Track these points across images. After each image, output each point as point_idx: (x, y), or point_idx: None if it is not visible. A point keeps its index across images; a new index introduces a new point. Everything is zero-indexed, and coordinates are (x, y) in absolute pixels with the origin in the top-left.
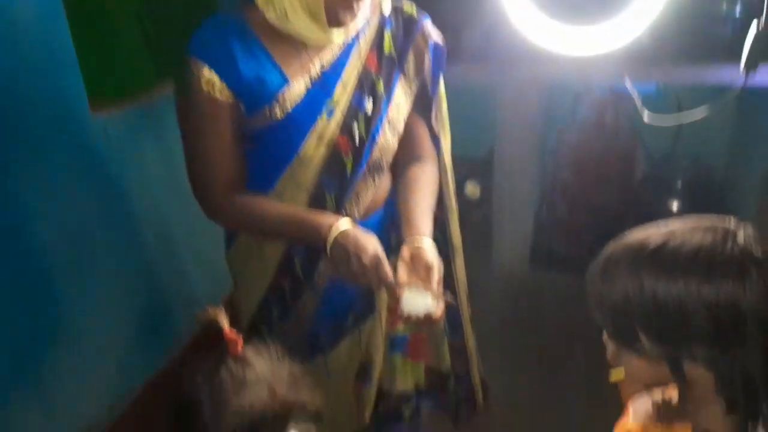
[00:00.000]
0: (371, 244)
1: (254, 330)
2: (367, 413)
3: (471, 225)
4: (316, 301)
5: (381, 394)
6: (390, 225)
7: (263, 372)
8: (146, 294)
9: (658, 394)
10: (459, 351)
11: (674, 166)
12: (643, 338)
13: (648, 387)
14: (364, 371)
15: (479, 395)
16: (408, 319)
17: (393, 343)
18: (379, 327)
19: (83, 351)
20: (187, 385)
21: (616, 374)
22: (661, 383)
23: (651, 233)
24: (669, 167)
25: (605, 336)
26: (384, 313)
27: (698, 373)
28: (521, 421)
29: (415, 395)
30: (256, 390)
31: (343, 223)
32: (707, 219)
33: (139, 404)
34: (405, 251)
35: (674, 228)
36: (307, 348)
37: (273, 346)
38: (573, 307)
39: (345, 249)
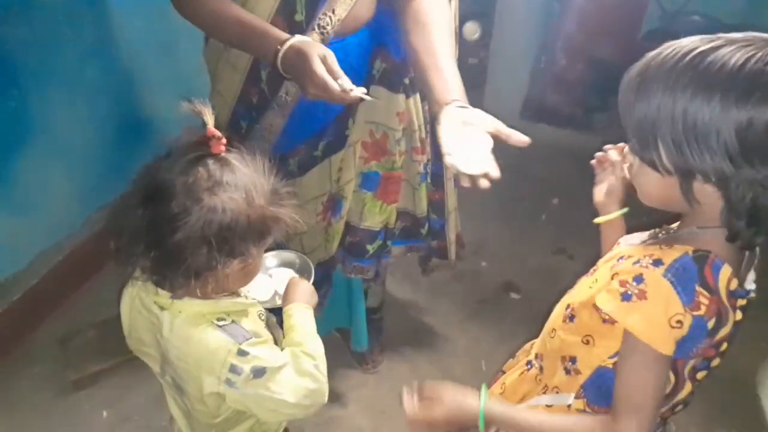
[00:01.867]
0: (315, 58)
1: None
2: (334, 245)
3: (466, 69)
4: (283, 120)
5: (349, 228)
6: (375, 49)
7: (243, 178)
8: (121, 114)
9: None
10: (437, 204)
11: (686, 22)
12: (663, 150)
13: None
14: (334, 203)
15: (451, 252)
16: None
17: (364, 180)
18: (351, 161)
19: (60, 162)
20: (163, 171)
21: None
22: (669, 206)
23: (694, 43)
24: (680, 22)
25: (627, 147)
26: (358, 147)
27: (707, 193)
28: (493, 270)
29: (383, 234)
30: (232, 193)
31: (293, 39)
32: (759, 35)
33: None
34: (451, 117)
35: (720, 41)
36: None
37: (261, 160)
38: (557, 161)
39: (293, 66)
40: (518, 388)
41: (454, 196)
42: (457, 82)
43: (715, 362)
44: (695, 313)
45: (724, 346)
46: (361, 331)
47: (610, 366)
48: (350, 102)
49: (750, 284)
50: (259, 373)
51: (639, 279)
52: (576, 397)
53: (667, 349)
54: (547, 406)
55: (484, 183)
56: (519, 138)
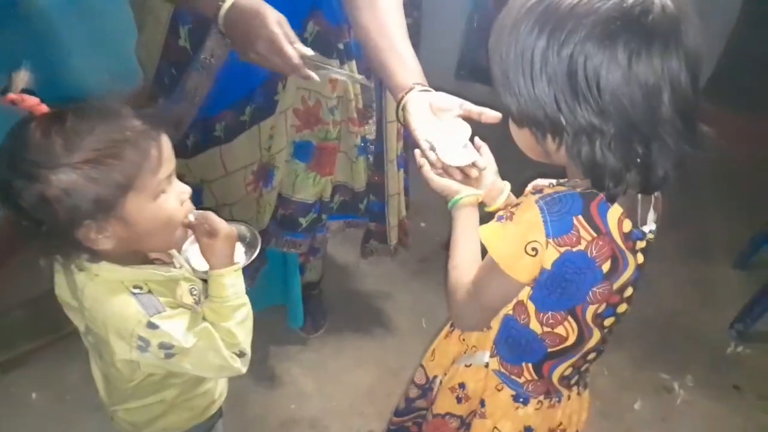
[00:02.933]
0: (269, 19)
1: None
2: (266, 217)
3: None
4: (209, 83)
5: (281, 200)
6: (309, 12)
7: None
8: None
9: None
10: (377, 186)
11: None
12: (510, 100)
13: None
14: (265, 173)
15: (391, 237)
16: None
17: (297, 150)
18: (283, 128)
19: None
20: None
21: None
22: (547, 159)
23: None
24: None
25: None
26: (289, 114)
27: (555, 147)
28: (433, 230)
29: (317, 207)
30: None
31: None
32: None
33: None
34: (419, 104)
35: None
36: (201, 135)
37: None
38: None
39: (238, 24)
40: (447, 351)
41: (398, 180)
42: (415, 64)
43: (622, 308)
44: (569, 248)
45: (629, 291)
46: (297, 308)
47: (512, 313)
48: (303, 76)
49: (650, 225)
50: (168, 353)
51: (516, 205)
52: (491, 356)
53: (512, 270)
54: (466, 366)
55: (474, 173)
56: (491, 115)
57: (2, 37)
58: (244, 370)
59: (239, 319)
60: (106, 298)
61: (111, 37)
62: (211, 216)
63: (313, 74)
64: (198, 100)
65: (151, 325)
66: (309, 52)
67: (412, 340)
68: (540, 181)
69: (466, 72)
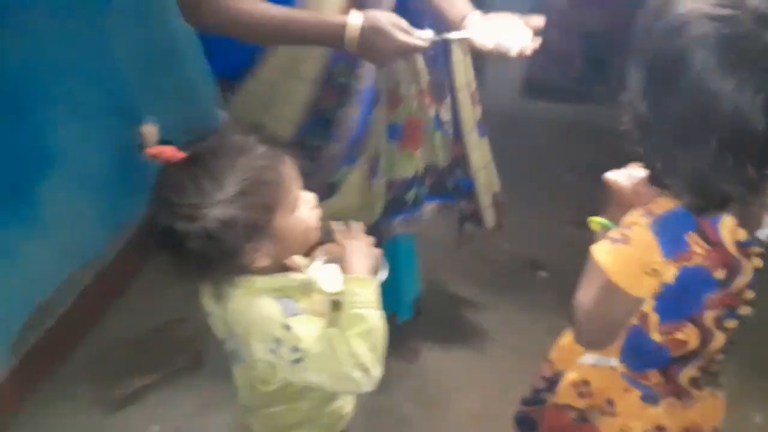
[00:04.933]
0: (390, 31)
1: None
2: (379, 205)
3: None
4: (358, 108)
5: (388, 186)
6: None
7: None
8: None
9: None
10: (459, 159)
11: None
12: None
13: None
14: (374, 164)
15: (487, 217)
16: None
17: (390, 132)
18: (383, 115)
19: (80, 185)
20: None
21: (595, 223)
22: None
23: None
24: None
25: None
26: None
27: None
28: (516, 250)
29: (415, 182)
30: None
31: (354, 18)
32: None
33: (134, 240)
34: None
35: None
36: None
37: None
38: (561, 136)
39: (371, 44)
40: (573, 347)
41: (483, 150)
42: (468, 3)
43: (744, 310)
44: (685, 263)
45: (749, 293)
46: (407, 297)
47: (636, 323)
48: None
49: (763, 232)
50: (296, 358)
51: (630, 227)
52: (618, 361)
53: (634, 289)
54: (592, 365)
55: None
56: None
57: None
58: (367, 387)
59: (362, 330)
60: (251, 302)
61: (191, 88)
62: (354, 224)
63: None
64: (348, 134)
65: (286, 327)
66: (428, 34)
67: (513, 366)
68: (637, 172)
69: (532, 90)
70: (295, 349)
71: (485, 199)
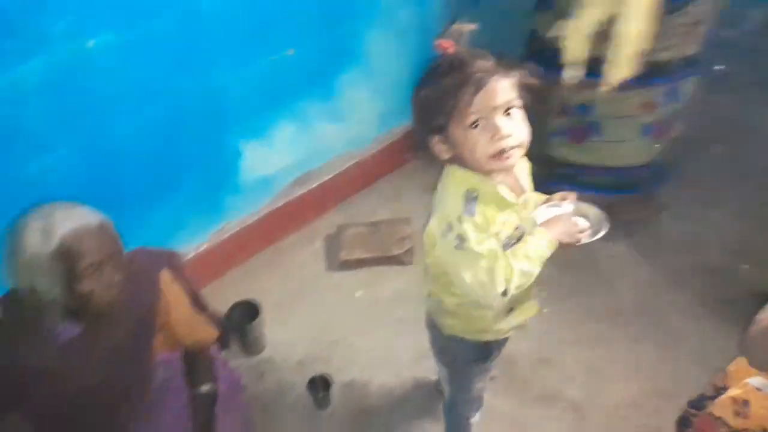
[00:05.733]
0: None
1: None
2: None
3: None
4: None
5: None
6: None
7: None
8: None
9: None
10: None
11: None
12: None
13: None
14: None
15: None
16: None
17: None
18: None
19: (370, 85)
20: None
21: None
22: None
23: None
24: None
25: None
26: None
27: None
28: (754, 274)
29: None
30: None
31: None
32: None
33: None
34: None
35: None
36: None
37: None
38: None
39: None
40: (747, 366)
41: None
42: None
43: None
44: None
45: None
46: None
47: None
48: None
49: None
50: (460, 245)
51: None
52: None
53: None
54: (757, 389)
55: None
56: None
57: None
58: (494, 303)
59: (525, 269)
60: (450, 187)
61: None
62: (572, 195)
63: None
64: None
65: (460, 220)
66: None
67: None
68: None
69: None
70: (462, 238)
71: None
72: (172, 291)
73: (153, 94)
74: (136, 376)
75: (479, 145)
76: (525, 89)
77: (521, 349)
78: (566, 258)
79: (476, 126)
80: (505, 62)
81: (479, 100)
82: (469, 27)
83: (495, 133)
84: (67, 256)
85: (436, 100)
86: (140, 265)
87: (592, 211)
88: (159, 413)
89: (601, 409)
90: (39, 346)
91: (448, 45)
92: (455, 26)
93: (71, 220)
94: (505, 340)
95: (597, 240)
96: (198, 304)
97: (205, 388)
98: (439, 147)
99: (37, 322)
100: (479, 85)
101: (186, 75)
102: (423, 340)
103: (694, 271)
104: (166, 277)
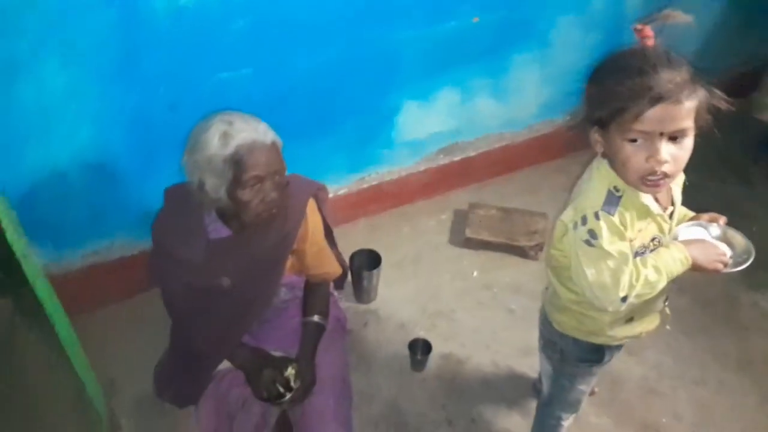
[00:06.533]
0: None
1: None
2: None
3: None
4: None
5: None
6: None
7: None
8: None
9: None
10: None
11: None
12: None
13: None
14: None
15: None
16: None
17: None
18: None
19: (543, 64)
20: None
21: None
22: None
23: None
24: None
25: None
26: None
27: None
28: None
29: None
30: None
31: None
32: None
33: (555, 133)
34: None
35: None
36: None
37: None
38: None
39: None
40: None
41: None
42: None
43: None
44: None
45: None
46: None
47: None
48: None
49: None
50: (590, 241)
51: None
52: None
53: None
54: None
55: None
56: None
57: None
58: (609, 308)
59: (650, 279)
60: (595, 179)
61: None
62: (722, 219)
63: None
64: None
65: (597, 216)
66: None
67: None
68: None
69: None
70: (593, 235)
71: None
72: (313, 220)
73: (334, 37)
74: (264, 288)
75: (632, 161)
76: (708, 111)
77: (633, 372)
78: (706, 294)
79: (635, 141)
80: (698, 80)
81: (649, 119)
82: (682, 17)
83: (652, 155)
84: (237, 164)
85: (608, 96)
86: (294, 189)
87: (738, 239)
88: (274, 327)
89: None
90: (191, 236)
91: (649, 34)
92: (665, 12)
93: (249, 132)
94: (619, 348)
95: (743, 285)
96: (330, 239)
97: (316, 318)
98: (595, 138)
99: (195, 214)
100: (656, 103)
101: (367, 26)
102: (530, 337)
103: None
104: (312, 205)
